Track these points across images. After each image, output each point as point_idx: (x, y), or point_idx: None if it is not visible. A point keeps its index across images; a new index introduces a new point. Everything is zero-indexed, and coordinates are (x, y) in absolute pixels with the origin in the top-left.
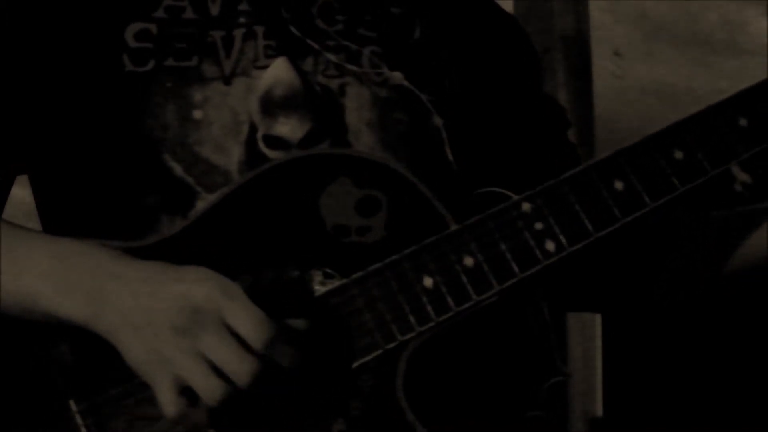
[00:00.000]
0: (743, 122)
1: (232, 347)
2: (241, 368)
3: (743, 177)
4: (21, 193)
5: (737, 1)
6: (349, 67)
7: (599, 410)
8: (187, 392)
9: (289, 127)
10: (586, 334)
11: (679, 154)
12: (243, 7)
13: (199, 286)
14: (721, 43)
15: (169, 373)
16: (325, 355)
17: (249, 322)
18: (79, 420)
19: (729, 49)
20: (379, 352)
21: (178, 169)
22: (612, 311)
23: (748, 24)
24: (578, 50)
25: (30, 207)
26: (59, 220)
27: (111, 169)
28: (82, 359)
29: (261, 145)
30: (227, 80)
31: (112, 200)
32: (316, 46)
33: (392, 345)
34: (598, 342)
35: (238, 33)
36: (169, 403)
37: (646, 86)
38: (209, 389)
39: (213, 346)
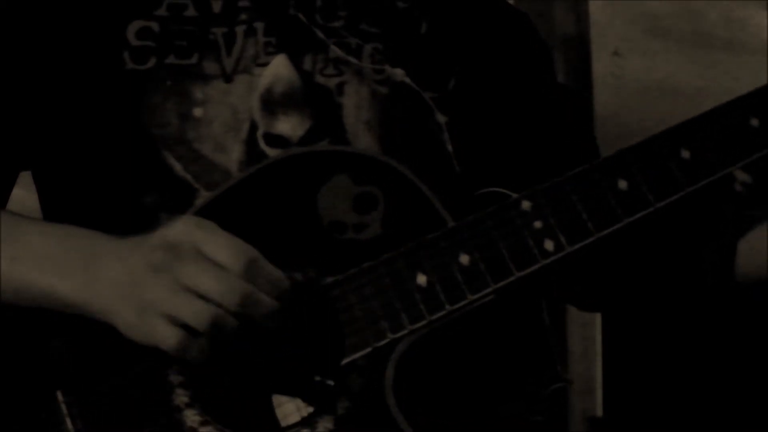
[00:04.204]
0: (755, 122)
1: (211, 271)
2: (224, 287)
3: (743, 177)
4: (20, 192)
5: None
6: (351, 59)
7: (599, 410)
8: (182, 329)
9: (289, 125)
10: (586, 334)
11: (686, 153)
12: (244, 3)
13: (172, 226)
14: (721, 42)
15: (157, 315)
16: (313, 352)
17: (226, 248)
18: (64, 410)
19: (730, 47)
20: (369, 349)
21: (177, 168)
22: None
23: (749, 22)
24: (578, 50)
25: (26, 207)
26: (62, 217)
27: (111, 167)
28: (74, 352)
29: (261, 143)
30: (228, 78)
31: (112, 198)
32: (320, 35)
33: (382, 343)
34: (598, 342)
35: (240, 30)
36: (166, 337)
37: (646, 85)
38: (197, 314)
39: (192, 274)
